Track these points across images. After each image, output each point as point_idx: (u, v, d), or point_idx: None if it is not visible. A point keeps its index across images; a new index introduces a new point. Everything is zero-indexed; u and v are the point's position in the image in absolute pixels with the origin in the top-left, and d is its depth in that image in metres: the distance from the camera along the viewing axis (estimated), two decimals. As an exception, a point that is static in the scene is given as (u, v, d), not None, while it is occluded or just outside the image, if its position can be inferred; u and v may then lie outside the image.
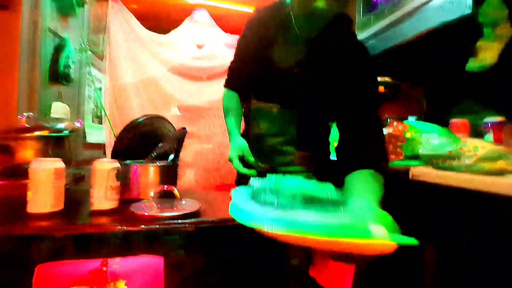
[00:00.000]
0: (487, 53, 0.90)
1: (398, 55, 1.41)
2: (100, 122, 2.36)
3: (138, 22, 2.26)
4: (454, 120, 1.08)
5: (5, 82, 1.33)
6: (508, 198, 0.59)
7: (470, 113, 1.10)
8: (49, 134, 0.92)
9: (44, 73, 1.55)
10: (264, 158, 1.00)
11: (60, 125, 0.97)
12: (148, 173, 0.86)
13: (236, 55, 1.10)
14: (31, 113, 0.94)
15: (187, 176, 2.36)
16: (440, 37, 1.14)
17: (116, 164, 0.76)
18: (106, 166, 0.74)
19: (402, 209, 0.72)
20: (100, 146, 2.21)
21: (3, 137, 0.89)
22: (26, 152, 0.87)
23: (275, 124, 0.98)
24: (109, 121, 2.09)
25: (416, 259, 0.78)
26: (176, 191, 0.75)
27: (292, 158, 0.99)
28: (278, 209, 0.49)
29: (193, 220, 0.67)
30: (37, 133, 0.91)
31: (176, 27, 2.40)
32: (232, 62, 1.13)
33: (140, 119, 1.12)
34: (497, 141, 0.91)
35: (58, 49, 1.65)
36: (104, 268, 0.64)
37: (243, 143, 0.95)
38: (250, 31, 1.03)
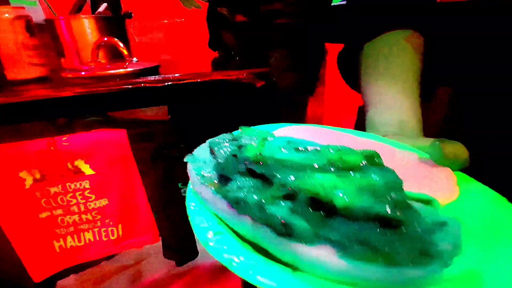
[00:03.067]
0: None
1: None
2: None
3: None
4: None
5: None
6: None
7: None
8: None
9: None
10: (244, 6, 0.74)
11: None
12: (83, 28, 0.62)
13: None
14: None
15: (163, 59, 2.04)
16: None
17: (22, 11, 0.51)
18: (5, 14, 0.50)
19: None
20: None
21: None
22: None
23: None
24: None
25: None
26: (121, 45, 0.54)
27: (281, 6, 0.73)
28: (259, 233, 0.21)
29: (150, 78, 0.50)
30: None
31: None
32: None
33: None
34: None
35: None
36: (52, 148, 0.51)
37: None
38: None
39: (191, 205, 0.25)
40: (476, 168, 0.30)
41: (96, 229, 0.59)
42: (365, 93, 0.43)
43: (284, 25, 0.75)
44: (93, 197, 0.57)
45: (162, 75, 0.50)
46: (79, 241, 0.59)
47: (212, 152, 0.28)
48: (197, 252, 0.70)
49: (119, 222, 0.60)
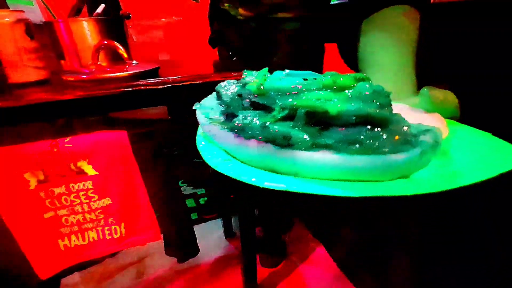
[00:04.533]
0: None
1: None
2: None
3: None
4: None
5: None
6: None
7: None
8: None
9: None
10: (246, 1, 0.74)
11: None
12: (82, 30, 0.63)
13: None
14: None
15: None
16: None
17: (21, 14, 0.52)
18: (5, 18, 0.50)
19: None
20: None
21: None
22: None
23: None
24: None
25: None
26: (120, 48, 0.55)
27: (283, 0, 0.73)
28: (263, 145, 0.23)
29: (150, 80, 0.51)
30: None
31: None
32: None
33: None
34: None
35: None
36: (55, 149, 0.53)
37: None
38: None
39: (200, 143, 0.28)
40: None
41: (99, 228, 0.60)
42: (362, 65, 0.44)
43: (285, 19, 0.75)
44: (96, 197, 0.58)
45: (162, 78, 0.51)
46: (83, 239, 0.60)
47: (218, 95, 0.31)
48: (198, 249, 0.72)
49: (122, 220, 0.61)
